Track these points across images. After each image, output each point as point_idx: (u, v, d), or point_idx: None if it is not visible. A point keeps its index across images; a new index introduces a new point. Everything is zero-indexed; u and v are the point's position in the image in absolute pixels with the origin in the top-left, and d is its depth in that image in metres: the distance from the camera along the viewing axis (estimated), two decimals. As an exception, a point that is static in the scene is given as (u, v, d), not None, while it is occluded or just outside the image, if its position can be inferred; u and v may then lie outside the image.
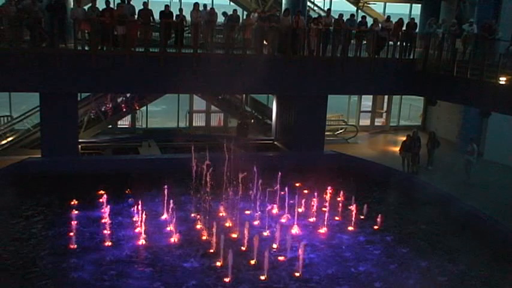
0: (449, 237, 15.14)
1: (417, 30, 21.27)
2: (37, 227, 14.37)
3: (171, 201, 14.80)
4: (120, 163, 19.49)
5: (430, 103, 23.76)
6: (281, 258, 13.27)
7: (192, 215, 15.49)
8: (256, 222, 15.07)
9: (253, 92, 24.21)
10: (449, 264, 13.53)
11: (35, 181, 17.12)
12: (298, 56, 19.72)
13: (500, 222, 15.47)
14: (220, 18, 20.25)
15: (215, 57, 18.78)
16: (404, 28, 20.75)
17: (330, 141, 22.43)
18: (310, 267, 12.97)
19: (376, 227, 15.42)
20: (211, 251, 13.41)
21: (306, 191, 17.34)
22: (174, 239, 14.00)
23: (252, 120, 24.83)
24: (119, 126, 24.07)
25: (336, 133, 24.46)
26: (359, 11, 26.84)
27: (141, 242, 13.71)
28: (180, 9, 19.27)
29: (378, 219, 15.52)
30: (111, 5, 18.74)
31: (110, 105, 22.68)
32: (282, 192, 16.17)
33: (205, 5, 20.28)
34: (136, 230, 14.24)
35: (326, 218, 15.29)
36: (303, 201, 16.16)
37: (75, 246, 13.33)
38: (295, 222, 15.02)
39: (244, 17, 20.93)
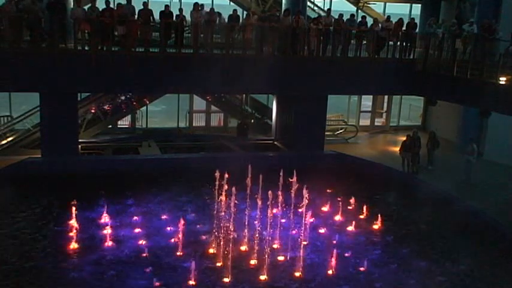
0: (449, 237, 15.12)
1: (417, 30, 21.25)
2: (37, 227, 14.36)
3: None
4: (120, 163, 19.45)
5: (430, 103, 23.75)
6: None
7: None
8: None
9: (253, 92, 24.19)
10: (449, 264, 13.51)
11: (34, 181, 17.08)
12: (298, 56, 19.69)
13: (501, 222, 15.47)
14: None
15: (215, 57, 18.77)
16: (404, 28, 20.71)
17: (330, 141, 22.42)
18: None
19: (376, 227, 15.41)
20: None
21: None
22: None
23: (252, 120, 24.84)
24: (118, 126, 24.06)
25: (336, 133, 24.45)
26: (359, 11, 26.83)
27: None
28: (180, 9, 19.24)
29: (378, 219, 15.52)
30: (111, 5, 18.71)
31: (110, 105, 22.67)
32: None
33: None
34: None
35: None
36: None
37: (75, 246, 13.31)
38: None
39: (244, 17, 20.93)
